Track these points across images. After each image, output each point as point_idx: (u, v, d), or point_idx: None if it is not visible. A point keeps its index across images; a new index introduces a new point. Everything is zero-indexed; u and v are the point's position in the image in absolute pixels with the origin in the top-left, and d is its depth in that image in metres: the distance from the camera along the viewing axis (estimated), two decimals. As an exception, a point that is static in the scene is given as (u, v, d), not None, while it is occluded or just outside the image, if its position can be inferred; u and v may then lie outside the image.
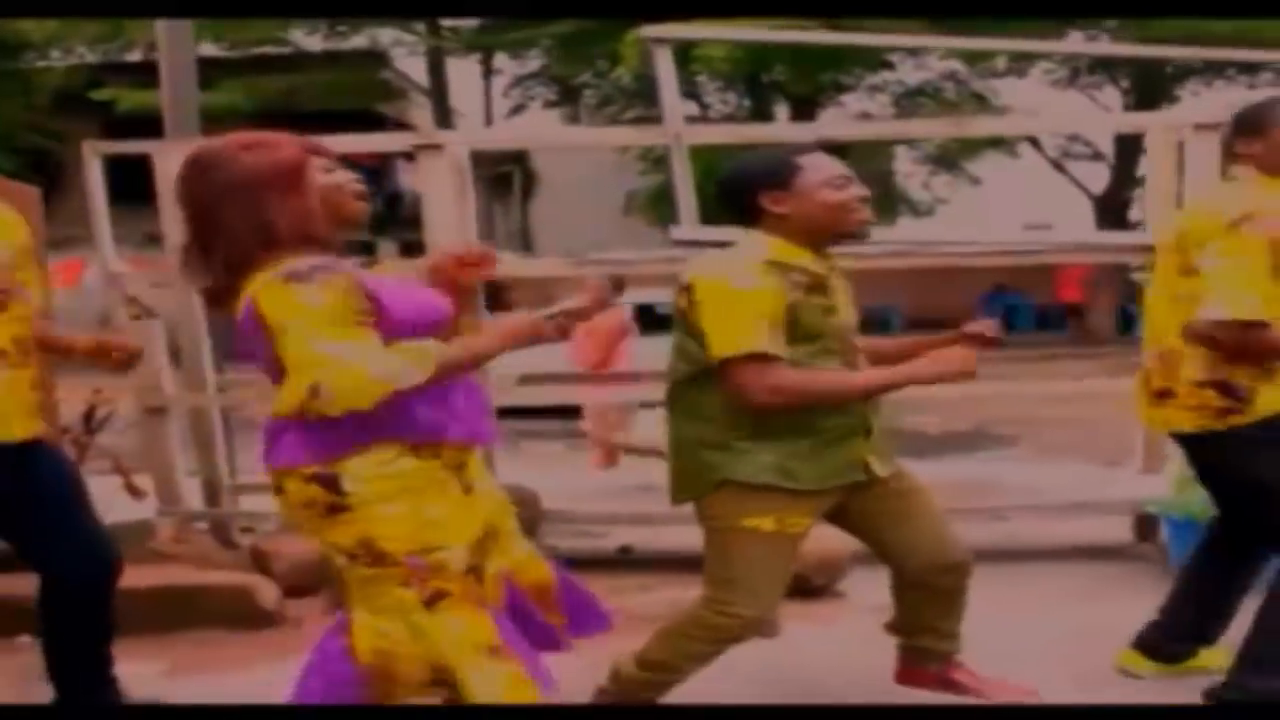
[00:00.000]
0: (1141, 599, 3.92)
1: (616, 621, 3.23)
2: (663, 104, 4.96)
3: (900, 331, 20.91)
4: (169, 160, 5.03)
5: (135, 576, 4.10)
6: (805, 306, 2.99)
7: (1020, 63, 21.88)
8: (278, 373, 2.70)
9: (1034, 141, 23.43)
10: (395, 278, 2.90)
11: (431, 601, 2.80)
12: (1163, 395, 3.35)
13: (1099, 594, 4.09)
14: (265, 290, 2.64)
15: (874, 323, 20.61)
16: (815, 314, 3.01)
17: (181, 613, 4.30)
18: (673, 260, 4.89)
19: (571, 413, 10.42)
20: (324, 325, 2.62)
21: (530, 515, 4.95)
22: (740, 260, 3.03)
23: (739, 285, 2.96)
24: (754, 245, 3.08)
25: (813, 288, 3.03)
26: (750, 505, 3.03)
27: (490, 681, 2.79)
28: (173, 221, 5.11)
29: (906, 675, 3.45)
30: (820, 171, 3.08)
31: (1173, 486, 4.81)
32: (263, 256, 2.72)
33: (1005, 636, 3.97)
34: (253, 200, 2.76)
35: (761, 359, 2.90)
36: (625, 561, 5.31)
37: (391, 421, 2.73)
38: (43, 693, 3.57)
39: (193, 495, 5.44)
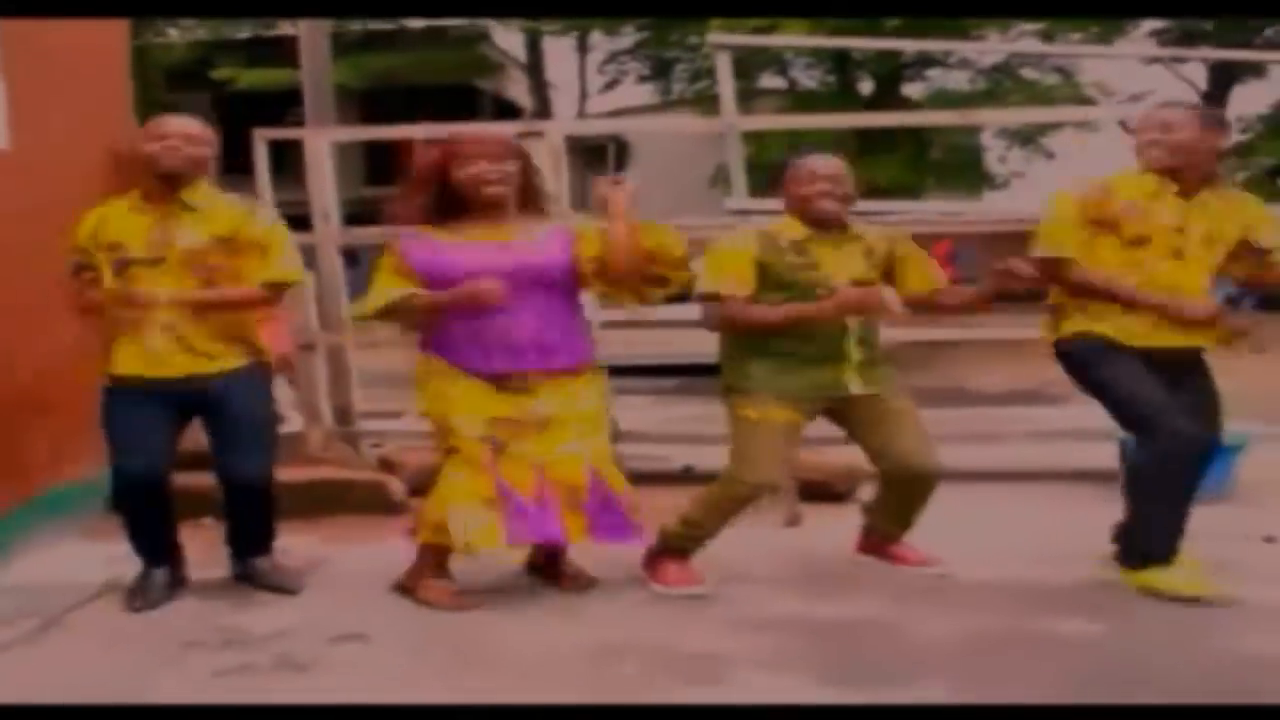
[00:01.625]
0: (1107, 511, 4.68)
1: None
2: (721, 99, 6.04)
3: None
4: (317, 144, 6.20)
5: (294, 474, 5.29)
6: (780, 265, 4.18)
7: (1105, 37, 22.16)
8: None
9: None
10: (451, 244, 4.16)
11: (447, 453, 4.10)
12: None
13: (1076, 507, 5.02)
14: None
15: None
16: (788, 270, 4.19)
17: (330, 501, 5.45)
18: (727, 227, 5.96)
19: (657, 371, 11.58)
20: (380, 272, 4.13)
21: (610, 433, 6.02)
22: (745, 229, 4.33)
23: (723, 245, 4.26)
24: (774, 220, 4.31)
25: (794, 251, 4.21)
26: (745, 401, 4.22)
27: (469, 519, 4.02)
28: (318, 196, 6.26)
29: (862, 546, 4.63)
30: (798, 170, 4.29)
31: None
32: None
33: (989, 533, 4.98)
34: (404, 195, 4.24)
35: (717, 296, 4.18)
36: (687, 477, 6.33)
37: (434, 341, 4.19)
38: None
39: (326, 417, 6.58)
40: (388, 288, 4.09)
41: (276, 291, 4.35)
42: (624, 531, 4.23)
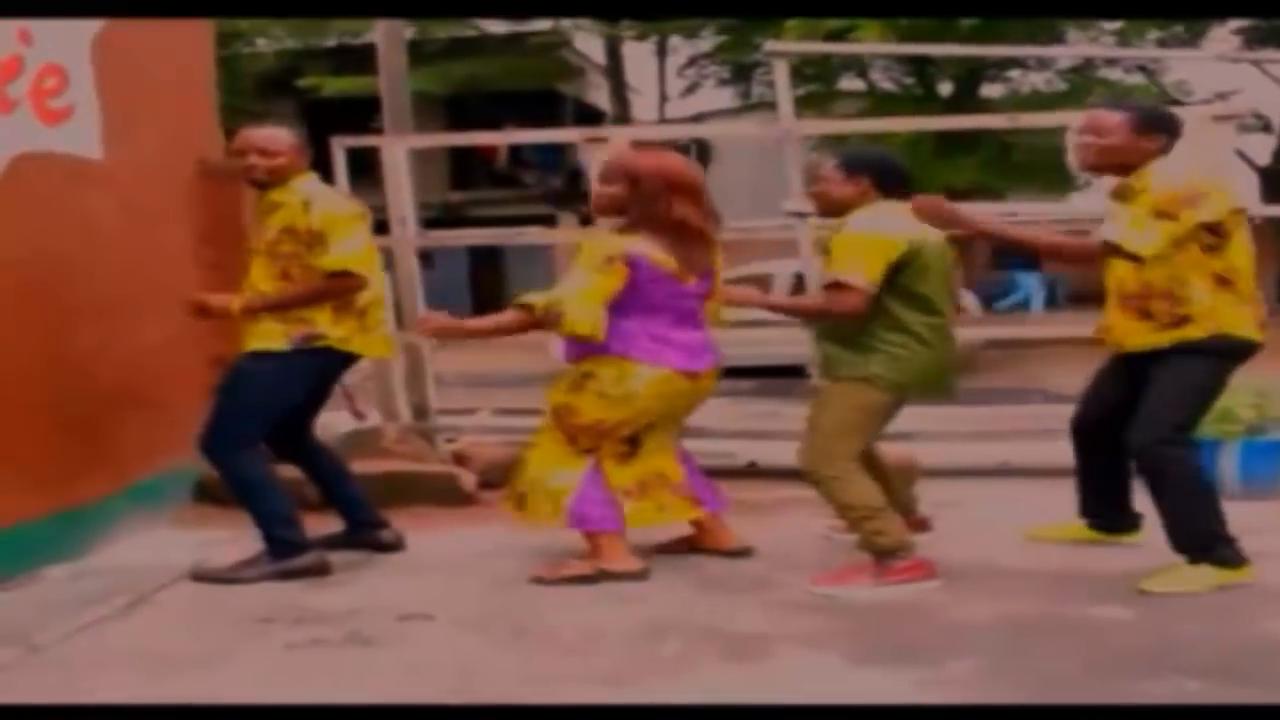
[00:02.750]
0: None
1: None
2: (778, 104, 6.24)
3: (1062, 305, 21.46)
4: (394, 151, 6.49)
5: (370, 466, 5.57)
6: None
7: (1191, 35, 21.94)
8: None
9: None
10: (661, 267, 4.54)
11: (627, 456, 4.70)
12: None
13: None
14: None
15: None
16: None
17: (404, 492, 5.68)
18: (785, 228, 6.18)
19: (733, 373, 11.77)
20: (597, 285, 4.43)
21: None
22: None
23: None
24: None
25: None
26: None
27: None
28: (396, 202, 6.54)
29: None
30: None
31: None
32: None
33: (1040, 519, 5.14)
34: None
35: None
36: (751, 473, 6.52)
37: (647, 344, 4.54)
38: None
39: (403, 414, 6.84)
40: (598, 306, 4.32)
41: (338, 280, 4.59)
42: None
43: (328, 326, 4.63)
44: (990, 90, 23.20)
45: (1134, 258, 4.15)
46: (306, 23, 24.09)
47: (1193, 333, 4.25)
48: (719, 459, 6.62)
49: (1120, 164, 4.33)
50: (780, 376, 12.35)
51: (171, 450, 5.51)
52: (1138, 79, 23.03)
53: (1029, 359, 14.91)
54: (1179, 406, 4.30)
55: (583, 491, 4.51)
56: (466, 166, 28.16)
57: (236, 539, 4.90)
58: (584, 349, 4.45)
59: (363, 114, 17.18)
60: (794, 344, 9.14)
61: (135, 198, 5.39)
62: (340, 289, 4.61)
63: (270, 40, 25.45)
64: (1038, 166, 22.93)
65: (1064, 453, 6.41)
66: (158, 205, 5.57)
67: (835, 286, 4.39)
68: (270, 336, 4.63)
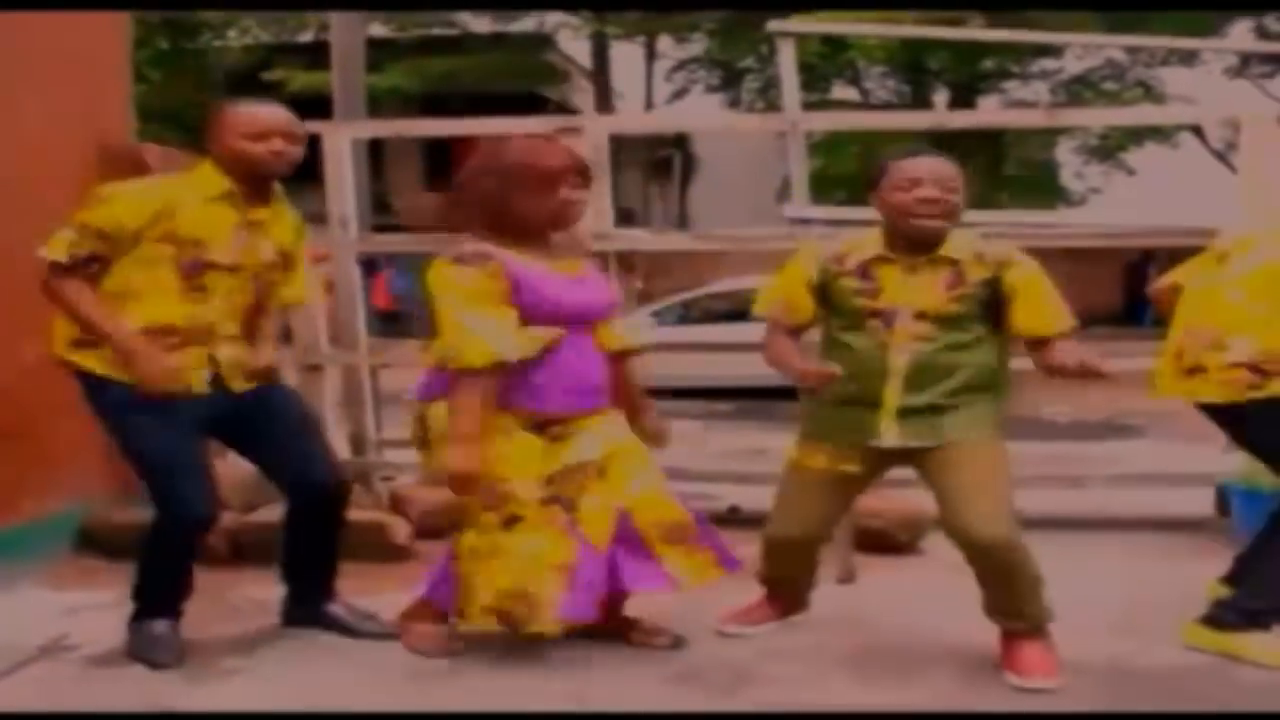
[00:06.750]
0: (1204, 566, 4.19)
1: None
2: (783, 93, 5.36)
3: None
4: (337, 140, 5.59)
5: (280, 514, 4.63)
6: (837, 288, 3.56)
7: (1185, 51, 21.46)
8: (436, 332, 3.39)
9: (1197, 131, 22.93)
10: (542, 270, 3.49)
11: (508, 523, 3.40)
12: (1194, 371, 3.67)
13: (1167, 560, 4.27)
14: (435, 267, 3.38)
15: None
16: (844, 295, 3.55)
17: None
18: (786, 237, 5.28)
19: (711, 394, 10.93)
20: (468, 301, 3.32)
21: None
22: (813, 244, 3.87)
23: (789, 262, 3.72)
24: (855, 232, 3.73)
25: (859, 274, 3.53)
26: (797, 441, 3.75)
27: (553, 594, 3.40)
28: (337, 199, 5.65)
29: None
30: (896, 173, 3.44)
31: (1244, 461, 5.01)
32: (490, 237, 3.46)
33: (1068, 592, 4.28)
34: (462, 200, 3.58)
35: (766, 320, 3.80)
36: (733, 520, 5.64)
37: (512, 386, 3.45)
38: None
39: (339, 447, 5.93)
40: (498, 324, 3.36)
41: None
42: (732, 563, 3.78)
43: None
44: (986, 103, 22.64)
45: None
46: (280, 16, 23.33)
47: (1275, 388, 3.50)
48: (696, 502, 5.78)
49: None
50: (762, 398, 11.46)
51: (46, 491, 4.64)
52: (1136, 93, 22.40)
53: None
54: None
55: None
56: (441, 171, 27.31)
57: (119, 602, 3.98)
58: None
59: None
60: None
61: (11, 181, 4.49)
62: None
63: (240, 32, 24.60)
64: (1029, 180, 22.48)
65: (1088, 499, 5.66)
66: (41, 192, 4.63)
67: None
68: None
